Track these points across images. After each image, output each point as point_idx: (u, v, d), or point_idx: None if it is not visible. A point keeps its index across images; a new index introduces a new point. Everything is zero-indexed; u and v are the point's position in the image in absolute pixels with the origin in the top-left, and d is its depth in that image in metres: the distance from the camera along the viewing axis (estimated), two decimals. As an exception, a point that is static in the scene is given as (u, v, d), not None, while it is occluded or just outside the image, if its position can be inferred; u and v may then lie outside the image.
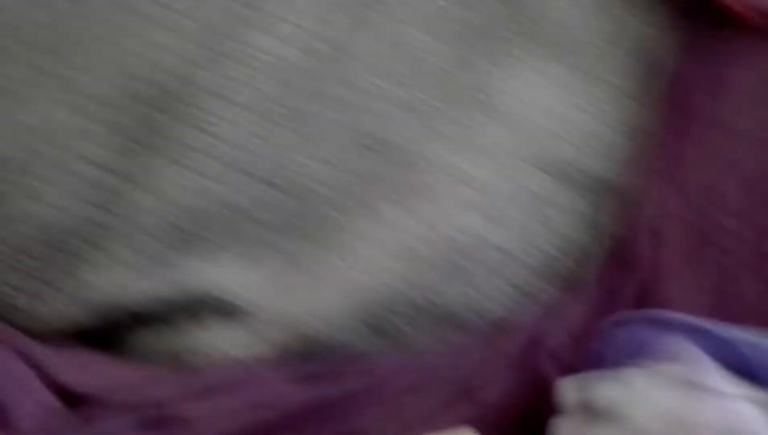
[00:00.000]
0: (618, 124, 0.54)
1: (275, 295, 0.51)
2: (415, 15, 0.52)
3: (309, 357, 0.49)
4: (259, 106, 0.52)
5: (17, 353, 0.50)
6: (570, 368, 0.48)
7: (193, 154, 0.52)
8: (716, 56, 0.53)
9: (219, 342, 0.51)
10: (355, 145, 0.52)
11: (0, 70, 0.51)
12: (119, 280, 0.52)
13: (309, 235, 0.52)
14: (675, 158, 0.52)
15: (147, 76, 0.51)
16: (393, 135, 0.52)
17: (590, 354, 0.47)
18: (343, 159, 0.52)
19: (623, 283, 0.50)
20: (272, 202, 0.52)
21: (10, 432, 0.47)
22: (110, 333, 0.53)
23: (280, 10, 0.52)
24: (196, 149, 0.52)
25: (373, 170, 0.52)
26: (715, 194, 0.50)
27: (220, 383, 0.48)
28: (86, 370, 0.50)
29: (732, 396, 0.41)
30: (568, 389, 0.44)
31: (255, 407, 0.47)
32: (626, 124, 0.54)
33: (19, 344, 0.50)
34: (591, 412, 0.42)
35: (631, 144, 0.54)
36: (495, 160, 0.51)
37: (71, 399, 0.49)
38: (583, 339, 0.49)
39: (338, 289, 0.49)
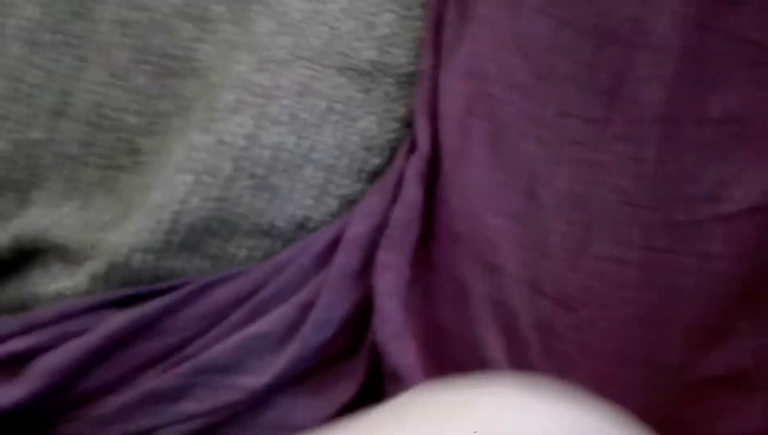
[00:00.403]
0: (399, 6, 0.55)
1: (98, 230, 0.54)
2: None
3: (131, 285, 0.52)
4: (40, 37, 0.54)
5: None
6: (371, 257, 0.52)
7: (0, 100, 0.54)
8: None
9: (55, 284, 0.54)
10: (144, 64, 0.54)
11: None
12: None
13: (122, 165, 0.54)
14: (456, 35, 0.54)
15: None
16: (176, 47, 0.54)
17: None
18: (134, 81, 0.54)
19: (413, 166, 0.53)
20: (82, 138, 0.54)
21: None
22: None
23: None
24: (0, 94, 0.54)
25: (164, 88, 0.54)
26: (489, 65, 0.52)
27: (44, 317, 0.51)
28: None
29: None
30: None
31: (78, 335, 0.50)
32: (407, 3, 0.55)
33: None
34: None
35: (415, 25, 0.55)
36: (279, 63, 0.53)
37: None
38: (382, 228, 0.52)
39: (150, 214, 0.52)
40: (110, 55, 0.54)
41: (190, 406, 0.49)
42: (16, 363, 0.49)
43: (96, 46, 0.55)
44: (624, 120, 0.49)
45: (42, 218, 0.54)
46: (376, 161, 0.54)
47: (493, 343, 0.49)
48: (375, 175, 0.54)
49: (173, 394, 0.49)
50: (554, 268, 0.49)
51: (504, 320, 0.49)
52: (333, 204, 0.53)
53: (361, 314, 0.51)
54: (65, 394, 0.49)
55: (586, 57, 0.50)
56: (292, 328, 0.50)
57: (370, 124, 0.54)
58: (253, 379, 0.49)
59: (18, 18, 0.55)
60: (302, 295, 0.51)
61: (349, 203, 0.53)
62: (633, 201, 0.48)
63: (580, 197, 0.49)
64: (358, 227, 0.52)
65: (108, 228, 0.53)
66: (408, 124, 0.55)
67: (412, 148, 0.54)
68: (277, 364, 0.49)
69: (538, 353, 0.48)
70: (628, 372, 0.47)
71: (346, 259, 0.51)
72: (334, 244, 0.52)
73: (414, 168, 0.53)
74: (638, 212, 0.48)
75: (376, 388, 0.50)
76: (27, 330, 0.50)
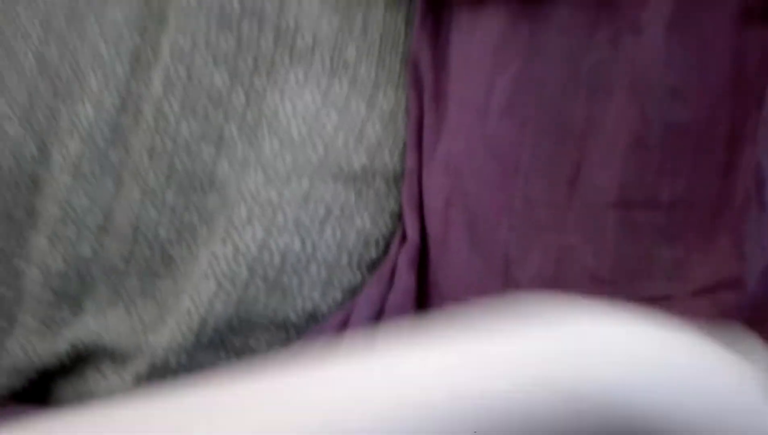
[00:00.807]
0: (384, 116, 0.62)
1: (140, 333, 0.62)
2: (199, 49, 0.61)
3: (165, 380, 0.60)
4: (83, 167, 0.62)
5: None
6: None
7: (53, 224, 0.63)
8: (447, 35, 0.60)
9: (106, 383, 0.62)
10: (172, 183, 0.62)
11: None
12: (29, 345, 0.64)
13: (158, 273, 0.63)
14: (434, 136, 0.60)
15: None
16: (197, 167, 0.61)
17: None
18: (163, 198, 0.62)
19: (405, 256, 0.60)
20: (124, 252, 0.63)
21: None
22: (37, 386, 0.65)
23: (87, 76, 0.62)
24: (53, 219, 0.63)
25: (189, 203, 0.62)
26: (462, 164, 0.58)
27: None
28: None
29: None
30: None
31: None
32: (391, 113, 0.62)
33: None
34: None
35: (399, 130, 0.62)
36: (283, 178, 0.60)
37: None
38: (382, 312, 0.59)
39: (182, 318, 0.60)
40: (143, 177, 0.63)
41: None
42: None
43: (130, 171, 0.63)
44: (583, 205, 0.55)
45: (93, 325, 0.63)
46: (373, 253, 0.61)
47: None
48: (373, 265, 0.61)
49: None
50: None
51: None
52: (338, 295, 0.61)
53: None
54: None
55: (547, 151, 0.56)
56: None
57: (365, 221, 0.61)
58: None
59: (65, 152, 0.63)
60: None
61: (352, 292, 0.61)
62: (598, 277, 0.54)
63: (551, 276, 0.55)
64: (361, 315, 0.59)
65: (148, 331, 0.61)
66: (399, 216, 0.62)
67: (404, 238, 0.61)
68: None
69: None
70: None
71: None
72: (341, 331, 0.59)
73: (405, 257, 0.60)
74: (603, 287, 0.53)
75: None
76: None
